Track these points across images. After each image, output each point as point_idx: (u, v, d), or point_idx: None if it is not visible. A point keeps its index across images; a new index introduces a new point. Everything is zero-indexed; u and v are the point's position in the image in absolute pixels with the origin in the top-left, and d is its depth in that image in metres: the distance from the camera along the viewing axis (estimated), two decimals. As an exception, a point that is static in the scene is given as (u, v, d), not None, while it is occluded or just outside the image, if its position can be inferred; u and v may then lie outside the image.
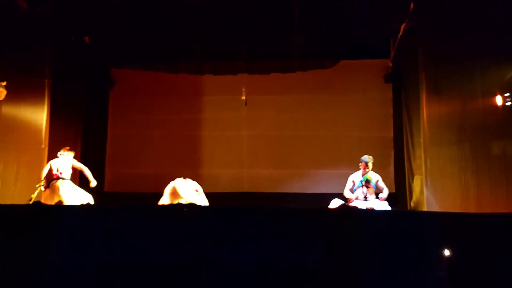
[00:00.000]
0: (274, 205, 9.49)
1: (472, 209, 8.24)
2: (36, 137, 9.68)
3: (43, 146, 9.66)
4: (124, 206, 7.65)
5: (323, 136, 11.83)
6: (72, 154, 9.18)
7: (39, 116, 9.76)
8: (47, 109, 9.82)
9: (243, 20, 10.21)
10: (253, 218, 5.53)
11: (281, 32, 10.57)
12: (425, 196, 8.98)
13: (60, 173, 8.90)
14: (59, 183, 8.81)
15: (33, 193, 8.59)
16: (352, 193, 8.84)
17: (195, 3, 9.75)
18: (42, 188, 8.78)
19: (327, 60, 11.54)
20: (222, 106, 12.09)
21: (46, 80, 9.88)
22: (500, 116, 8.53)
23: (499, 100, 8.53)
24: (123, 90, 12.38)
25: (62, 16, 10.10)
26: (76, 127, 11.23)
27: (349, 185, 8.93)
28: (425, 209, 8.86)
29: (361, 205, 8.48)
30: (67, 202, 8.58)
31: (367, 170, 8.82)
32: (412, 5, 9.30)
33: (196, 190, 8.97)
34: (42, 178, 8.82)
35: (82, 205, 8.01)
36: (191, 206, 7.36)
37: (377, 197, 8.75)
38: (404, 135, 10.73)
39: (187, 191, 8.84)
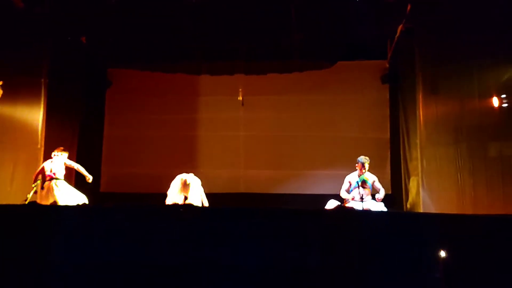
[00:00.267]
0: (272, 206, 9.48)
1: (468, 210, 8.25)
2: (33, 137, 9.66)
3: (39, 146, 9.64)
4: (122, 206, 7.65)
5: (319, 137, 11.83)
6: (66, 154, 9.13)
7: (35, 115, 9.74)
8: (44, 108, 9.81)
9: (240, 21, 10.20)
10: (252, 219, 5.54)
11: (279, 33, 10.58)
12: (421, 197, 8.99)
13: (54, 173, 8.85)
14: (53, 183, 8.77)
15: (29, 193, 8.56)
16: (349, 193, 8.85)
17: (192, 3, 9.74)
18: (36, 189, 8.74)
19: (324, 60, 11.55)
20: (219, 107, 12.07)
21: (43, 80, 9.86)
22: (497, 117, 8.55)
23: (495, 101, 8.54)
24: (119, 90, 12.35)
25: (59, 16, 10.09)
26: (73, 127, 11.19)
27: (345, 185, 8.93)
28: (421, 210, 8.88)
29: (358, 206, 8.47)
30: (61, 202, 8.55)
31: (363, 171, 8.82)
32: (409, 6, 9.32)
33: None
34: (36, 180, 8.77)
35: (79, 205, 8.00)
36: (188, 206, 7.36)
37: (373, 198, 8.74)
38: (401, 136, 10.74)
39: (197, 187, 8.81)
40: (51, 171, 8.86)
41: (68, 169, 9.23)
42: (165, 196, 8.91)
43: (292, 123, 11.97)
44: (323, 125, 11.87)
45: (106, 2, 9.83)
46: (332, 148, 11.69)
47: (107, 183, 11.95)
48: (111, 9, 9.87)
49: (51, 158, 9.07)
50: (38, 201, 8.59)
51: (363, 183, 8.80)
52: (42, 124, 9.75)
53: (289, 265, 5.14)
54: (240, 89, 11.47)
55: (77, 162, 9.52)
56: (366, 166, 8.81)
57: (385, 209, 8.46)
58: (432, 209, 8.63)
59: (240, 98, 11.46)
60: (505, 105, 8.49)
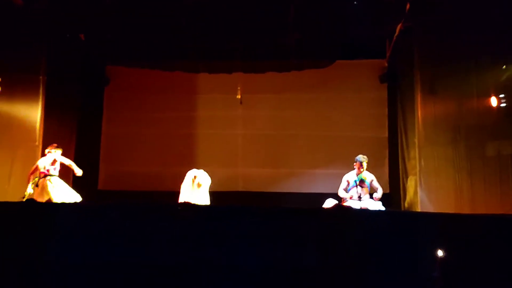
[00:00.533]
0: (270, 205, 9.47)
1: (466, 209, 8.26)
2: (30, 134, 9.65)
3: (37, 143, 9.63)
4: (121, 204, 7.62)
5: (317, 136, 11.83)
6: (59, 151, 9.08)
7: (33, 113, 9.73)
8: (42, 106, 9.79)
9: (239, 19, 10.19)
10: (250, 217, 5.53)
11: (277, 32, 10.57)
12: (419, 196, 9.00)
13: (47, 170, 8.83)
14: (47, 180, 8.76)
15: (26, 191, 8.55)
16: (347, 192, 8.85)
17: (191, 1, 9.73)
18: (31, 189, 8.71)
19: (322, 59, 11.56)
20: (217, 105, 12.06)
21: (41, 77, 9.84)
22: (495, 117, 8.57)
23: (494, 101, 8.55)
24: (118, 87, 12.32)
25: (57, 13, 10.08)
26: (71, 125, 11.17)
27: (343, 184, 8.93)
28: (419, 210, 8.88)
29: (355, 205, 8.48)
30: (56, 199, 8.54)
31: (361, 170, 8.82)
32: (408, 6, 9.32)
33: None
34: (31, 178, 8.76)
35: (77, 203, 7.99)
36: (186, 205, 7.34)
37: (371, 197, 8.75)
38: (399, 135, 10.74)
39: (206, 185, 8.81)
40: (44, 168, 8.84)
41: (66, 167, 9.21)
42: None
43: (290, 121, 11.97)
44: (322, 124, 11.87)
45: (104, 0, 9.81)
46: (331, 147, 11.69)
47: (105, 181, 11.93)
48: (109, 6, 9.87)
49: (44, 155, 9.06)
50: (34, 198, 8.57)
51: (361, 182, 8.81)
52: (40, 121, 9.74)
53: (287, 264, 5.13)
54: (239, 88, 11.44)
55: (75, 159, 9.51)
56: (364, 165, 8.81)
57: (382, 208, 8.47)
58: (430, 209, 8.64)
59: (238, 96, 11.43)
60: (503, 104, 8.50)
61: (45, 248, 5.31)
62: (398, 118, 10.84)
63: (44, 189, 8.71)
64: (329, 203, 8.45)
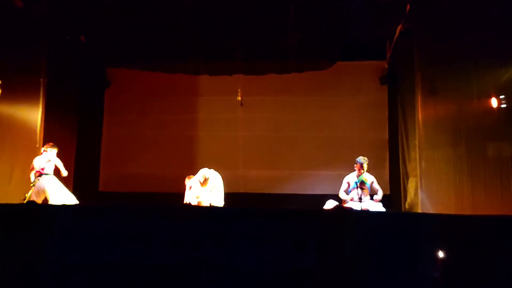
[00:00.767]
0: (271, 206, 9.48)
1: (466, 211, 8.24)
2: (31, 136, 9.65)
3: (37, 145, 9.61)
4: (121, 206, 7.64)
5: (318, 137, 11.84)
6: (55, 150, 9.07)
7: (34, 115, 9.73)
8: (42, 108, 9.79)
9: (239, 21, 10.21)
10: (251, 219, 5.53)
11: (277, 33, 10.58)
12: (419, 198, 8.97)
13: (42, 169, 8.83)
14: (42, 178, 8.76)
15: (27, 192, 8.55)
16: (347, 194, 8.85)
17: (191, 2, 9.73)
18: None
19: (323, 61, 11.57)
20: (217, 107, 12.09)
21: (42, 79, 9.85)
22: (496, 118, 8.54)
23: (494, 102, 8.54)
24: (118, 89, 12.36)
25: (58, 15, 10.08)
26: (71, 127, 11.17)
27: (344, 186, 8.93)
28: (419, 211, 8.86)
29: (356, 206, 8.48)
30: (52, 197, 8.54)
31: (362, 171, 8.82)
32: (408, 7, 9.32)
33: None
34: (31, 179, 8.77)
35: (78, 204, 7.99)
36: (186, 206, 7.36)
37: (371, 199, 8.75)
38: (399, 137, 10.73)
39: (219, 185, 8.80)
40: (39, 167, 8.85)
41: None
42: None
43: (291, 123, 11.99)
44: (322, 126, 11.89)
45: (105, 1, 9.82)
46: (331, 148, 11.70)
47: (106, 183, 11.96)
48: (110, 8, 9.86)
49: (40, 154, 9.06)
50: (32, 198, 8.58)
51: (362, 184, 8.81)
52: (41, 123, 9.74)
53: (287, 264, 5.13)
54: (239, 89, 11.45)
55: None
56: (365, 166, 8.81)
57: (383, 210, 8.46)
58: (431, 210, 8.62)
59: (239, 98, 11.44)
60: (503, 106, 8.48)
61: (45, 249, 5.31)
62: (398, 119, 10.82)
63: (40, 187, 8.72)
64: (330, 204, 8.46)
